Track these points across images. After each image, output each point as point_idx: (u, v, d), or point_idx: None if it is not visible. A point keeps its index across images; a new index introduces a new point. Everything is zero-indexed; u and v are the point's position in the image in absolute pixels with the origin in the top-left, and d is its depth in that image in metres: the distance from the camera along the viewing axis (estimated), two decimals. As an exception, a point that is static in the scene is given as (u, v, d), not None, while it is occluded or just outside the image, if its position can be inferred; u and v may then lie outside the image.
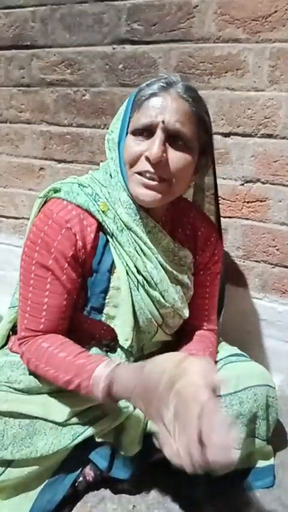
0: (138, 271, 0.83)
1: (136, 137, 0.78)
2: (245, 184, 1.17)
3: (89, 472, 0.87)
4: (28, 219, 0.92)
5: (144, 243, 0.83)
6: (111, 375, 0.72)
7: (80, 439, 0.83)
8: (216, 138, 1.15)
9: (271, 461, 0.96)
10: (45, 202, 0.85)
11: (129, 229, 0.82)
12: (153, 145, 0.74)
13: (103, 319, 0.84)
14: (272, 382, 0.92)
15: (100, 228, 0.82)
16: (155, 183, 0.77)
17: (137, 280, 0.83)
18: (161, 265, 0.85)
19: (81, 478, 0.87)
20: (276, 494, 0.91)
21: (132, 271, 0.83)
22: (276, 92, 1.06)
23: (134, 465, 0.85)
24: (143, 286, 0.84)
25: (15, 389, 0.85)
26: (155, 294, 0.85)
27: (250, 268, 1.24)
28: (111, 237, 0.82)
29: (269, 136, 1.10)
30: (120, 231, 0.82)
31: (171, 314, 0.90)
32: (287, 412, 1.12)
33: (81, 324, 0.88)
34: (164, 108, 0.75)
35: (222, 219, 1.22)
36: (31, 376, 0.87)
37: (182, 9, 1.11)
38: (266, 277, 1.22)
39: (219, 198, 1.21)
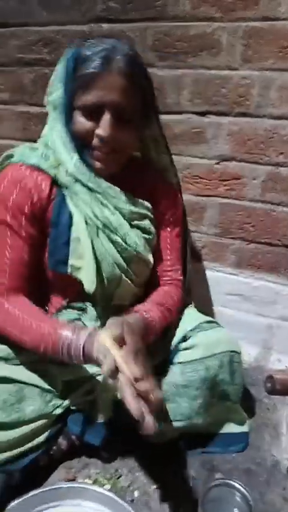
0: (97, 217, 0.87)
1: (85, 114, 0.82)
2: (221, 163, 1.20)
3: (62, 442, 0.91)
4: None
5: (98, 193, 0.86)
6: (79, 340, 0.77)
7: (60, 410, 0.88)
8: (192, 117, 1.17)
9: (245, 428, 1.01)
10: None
11: (80, 183, 0.86)
12: (106, 126, 0.81)
13: (69, 270, 0.87)
14: (238, 348, 0.97)
15: (54, 183, 0.87)
16: (106, 156, 0.84)
17: (96, 226, 0.87)
18: (118, 210, 0.88)
19: (54, 447, 0.90)
20: (249, 454, 0.97)
21: (90, 218, 0.86)
22: (249, 71, 1.09)
23: (105, 431, 0.89)
24: (103, 232, 0.88)
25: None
26: (116, 238, 0.88)
27: (227, 245, 1.27)
28: (66, 188, 0.87)
29: (243, 115, 1.13)
30: (73, 183, 0.86)
31: (135, 259, 0.92)
32: (261, 381, 1.17)
33: (51, 282, 0.91)
34: (110, 89, 0.79)
35: (199, 198, 1.26)
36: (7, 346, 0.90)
37: (157, -13, 1.11)
38: (241, 253, 1.26)
39: (197, 177, 1.24)
